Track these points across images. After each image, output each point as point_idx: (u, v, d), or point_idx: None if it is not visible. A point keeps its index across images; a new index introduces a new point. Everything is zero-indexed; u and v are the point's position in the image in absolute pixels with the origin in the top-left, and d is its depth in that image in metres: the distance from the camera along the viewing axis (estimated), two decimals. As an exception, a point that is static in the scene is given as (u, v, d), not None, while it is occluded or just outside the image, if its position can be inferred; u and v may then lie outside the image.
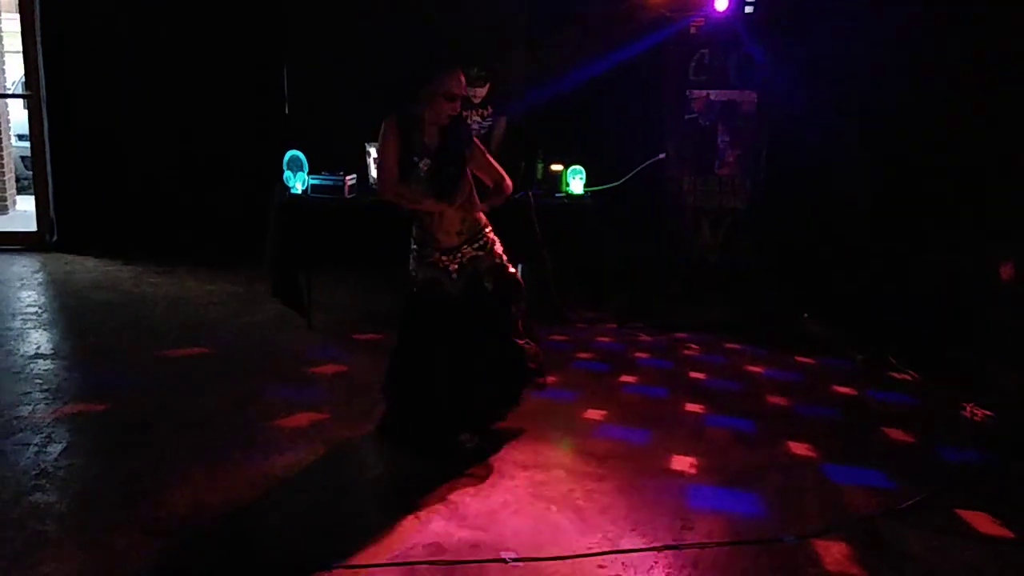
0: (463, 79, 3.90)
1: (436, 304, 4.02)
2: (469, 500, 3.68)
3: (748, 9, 6.22)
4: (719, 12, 6.13)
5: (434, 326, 4.02)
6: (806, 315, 6.78)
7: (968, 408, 4.95)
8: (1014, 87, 5.95)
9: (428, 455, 4.03)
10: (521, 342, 4.23)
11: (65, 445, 4.02)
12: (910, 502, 3.74)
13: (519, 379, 4.22)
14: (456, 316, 4.02)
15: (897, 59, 6.63)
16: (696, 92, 6.41)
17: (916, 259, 6.28)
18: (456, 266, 4.01)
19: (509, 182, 4.15)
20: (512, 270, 4.22)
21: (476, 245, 4.05)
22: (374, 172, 5.95)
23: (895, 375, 5.61)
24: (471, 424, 4.16)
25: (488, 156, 4.09)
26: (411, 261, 4.09)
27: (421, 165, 3.89)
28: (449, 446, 4.09)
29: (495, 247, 4.13)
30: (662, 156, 6.45)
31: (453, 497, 3.69)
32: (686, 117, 6.45)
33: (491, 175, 4.10)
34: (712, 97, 6.38)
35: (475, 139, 4.09)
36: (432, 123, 3.90)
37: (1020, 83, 5.90)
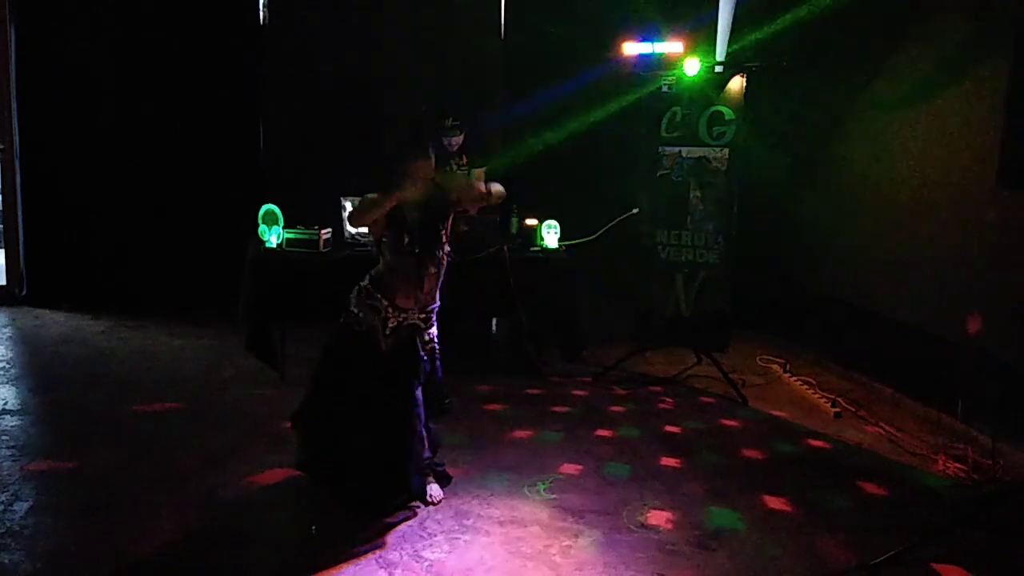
0: (429, 163, 3.96)
1: (365, 350, 4.00)
2: (444, 557, 3.64)
3: (718, 69, 6.36)
4: (690, 72, 6.27)
5: (356, 371, 4.01)
6: (779, 367, 6.83)
7: (941, 460, 4.98)
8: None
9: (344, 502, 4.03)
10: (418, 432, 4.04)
11: (32, 503, 3.95)
12: (886, 556, 3.73)
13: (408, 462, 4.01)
14: (378, 371, 4.00)
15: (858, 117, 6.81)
16: (668, 148, 6.51)
17: (890, 310, 6.35)
18: (394, 322, 4.01)
19: (495, 190, 4.16)
20: (434, 354, 4.17)
21: (422, 316, 4.07)
22: (349, 227, 5.98)
23: (869, 428, 5.64)
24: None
25: (469, 185, 4.15)
26: (355, 299, 4.05)
27: (406, 234, 3.93)
28: (368, 497, 4.04)
29: (433, 328, 4.15)
30: (635, 211, 6.52)
31: (428, 554, 3.65)
32: (659, 173, 6.54)
33: (480, 196, 4.16)
34: (684, 154, 6.48)
35: (479, 176, 4.16)
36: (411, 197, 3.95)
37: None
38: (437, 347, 4.18)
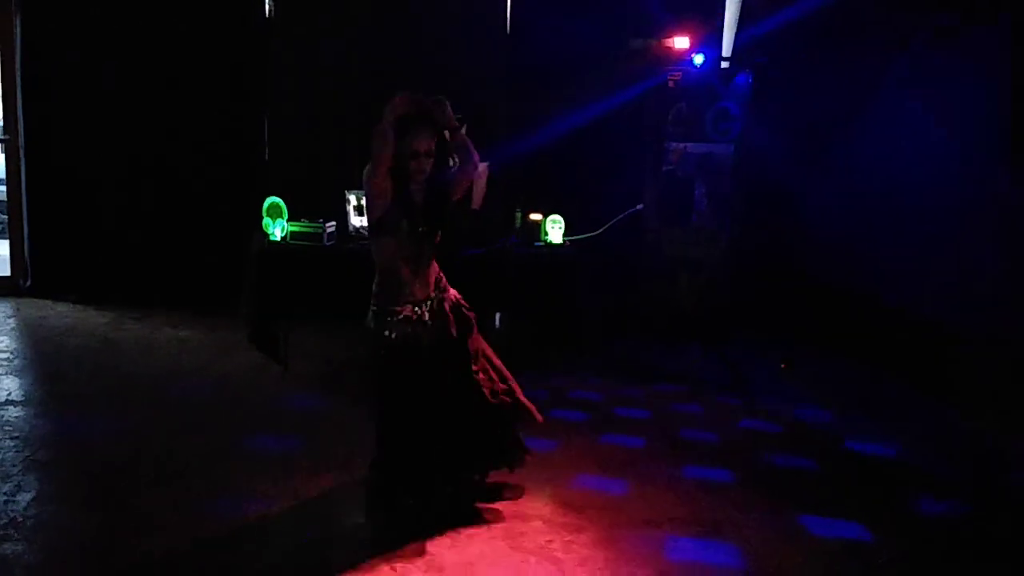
0: (429, 140, 3.81)
1: (415, 360, 3.86)
2: (446, 552, 3.64)
3: (724, 64, 6.35)
4: (696, 67, 6.25)
5: (417, 382, 3.86)
6: (783, 365, 6.82)
7: (946, 458, 4.97)
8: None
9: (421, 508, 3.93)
10: (502, 392, 4.12)
11: (34, 494, 3.96)
12: (889, 556, 3.73)
13: (506, 435, 4.13)
14: (434, 365, 3.93)
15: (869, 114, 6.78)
16: (673, 144, 6.50)
17: (894, 310, 6.34)
18: (429, 314, 3.93)
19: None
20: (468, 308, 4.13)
21: (440, 289, 4.01)
22: (354, 219, 5.97)
23: (871, 426, 5.63)
24: (461, 472, 4.08)
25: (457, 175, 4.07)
26: (375, 320, 3.87)
27: (405, 220, 3.82)
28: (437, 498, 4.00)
29: (450, 289, 4.09)
30: (640, 207, 6.51)
31: (430, 548, 3.65)
32: (663, 169, 6.53)
33: (463, 180, 4.05)
34: (689, 149, 6.47)
35: (482, 171, 4.09)
36: (414, 181, 3.85)
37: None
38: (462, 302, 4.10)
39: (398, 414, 3.88)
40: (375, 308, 3.88)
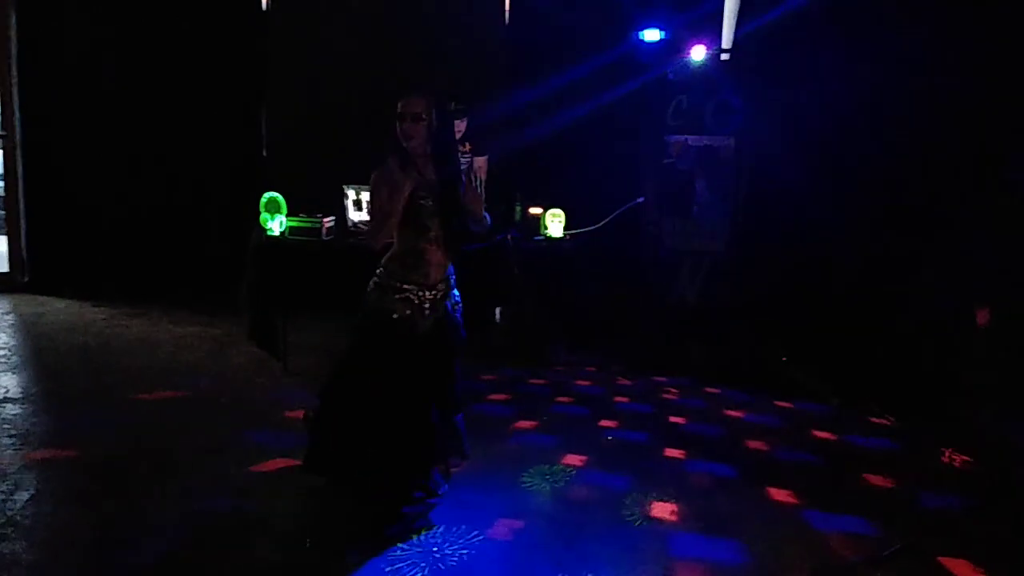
0: (421, 100, 3.76)
1: (403, 342, 3.82)
2: (447, 548, 3.61)
3: (724, 56, 6.32)
4: (696, 60, 6.22)
5: (397, 363, 3.80)
6: (785, 358, 6.79)
7: (947, 453, 4.95)
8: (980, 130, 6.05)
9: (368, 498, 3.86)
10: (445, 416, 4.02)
11: (33, 492, 3.92)
12: (892, 549, 3.71)
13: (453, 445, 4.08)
14: (420, 353, 3.87)
15: (870, 105, 6.74)
16: (674, 137, 6.46)
17: (895, 303, 6.31)
18: (430, 302, 3.90)
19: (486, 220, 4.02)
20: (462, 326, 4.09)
21: (449, 282, 3.97)
22: (352, 214, 5.93)
23: (874, 420, 5.60)
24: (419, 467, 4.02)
25: (472, 191, 4.05)
26: (378, 292, 3.82)
27: (428, 201, 3.75)
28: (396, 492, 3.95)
29: (455, 289, 4.04)
30: (640, 200, 6.48)
31: (429, 546, 3.62)
32: (664, 162, 6.50)
33: (477, 207, 4.01)
34: (689, 142, 6.44)
35: (480, 164, 4.06)
36: (417, 155, 3.82)
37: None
38: (460, 306, 4.04)
39: (343, 384, 3.87)
40: (378, 280, 3.83)
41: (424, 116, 3.76)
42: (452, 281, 3.99)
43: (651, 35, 6.38)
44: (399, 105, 3.79)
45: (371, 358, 3.83)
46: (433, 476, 3.95)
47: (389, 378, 3.80)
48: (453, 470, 4.17)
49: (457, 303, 4.01)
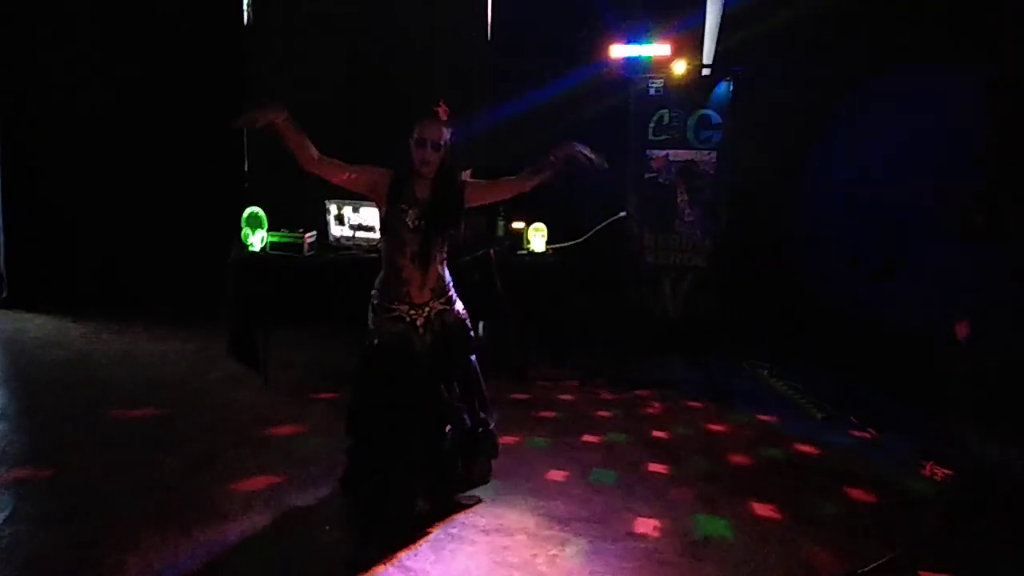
0: (438, 129, 3.84)
1: (402, 359, 3.93)
2: (429, 567, 3.60)
3: (705, 72, 6.35)
4: (677, 74, 6.25)
5: (399, 382, 3.92)
6: (767, 372, 6.80)
7: (928, 467, 4.96)
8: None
9: (388, 516, 3.91)
10: (483, 415, 4.22)
11: (10, 512, 3.88)
12: (874, 564, 3.71)
13: (484, 447, 4.20)
14: (422, 371, 3.95)
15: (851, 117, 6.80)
16: (656, 151, 6.49)
17: (878, 315, 6.34)
18: (422, 320, 3.94)
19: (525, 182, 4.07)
20: (470, 330, 4.18)
21: (442, 300, 4.01)
22: (334, 229, 5.93)
23: (856, 433, 5.62)
24: (435, 486, 4.09)
25: (486, 184, 4.07)
26: (372, 316, 3.99)
27: (409, 213, 3.84)
28: (410, 507, 3.99)
29: (457, 303, 4.09)
30: (623, 214, 6.50)
31: (412, 564, 3.61)
32: (646, 176, 6.52)
33: (503, 191, 4.09)
34: (671, 157, 6.46)
35: (465, 177, 4.10)
36: (421, 176, 3.87)
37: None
38: (467, 320, 4.14)
39: (363, 407, 3.97)
40: (372, 302, 3.98)
41: (443, 144, 3.81)
42: (450, 296, 4.02)
43: (632, 50, 6.42)
44: (418, 129, 3.82)
45: (378, 378, 3.94)
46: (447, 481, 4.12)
47: (398, 395, 3.89)
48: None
49: (460, 315, 4.07)
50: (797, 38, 6.70)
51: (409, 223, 3.85)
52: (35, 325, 7.30)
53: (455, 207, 3.95)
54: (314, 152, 3.83)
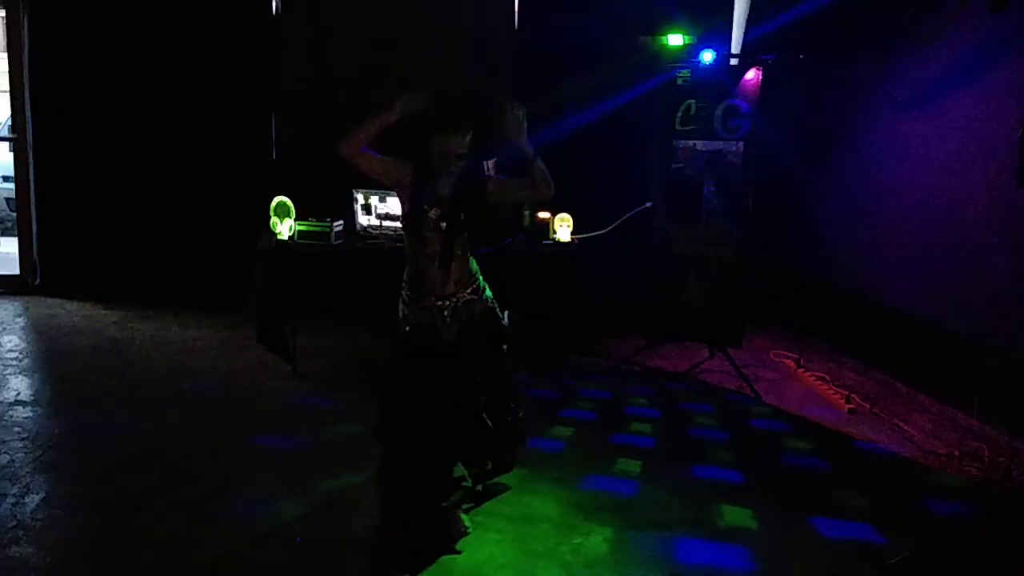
0: (459, 140, 3.78)
1: (431, 349, 3.94)
2: (454, 555, 3.62)
3: (733, 61, 6.30)
4: (705, 64, 6.21)
5: (429, 371, 3.91)
6: (794, 362, 6.77)
7: (957, 459, 4.93)
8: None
9: (418, 504, 3.93)
10: (511, 403, 4.23)
11: (44, 495, 3.96)
12: (900, 557, 3.70)
13: (512, 436, 4.22)
14: (450, 361, 3.96)
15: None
16: (682, 142, 6.45)
17: (904, 306, 6.30)
18: (449, 310, 3.94)
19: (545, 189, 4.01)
20: (500, 319, 4.19)
21: (469, 290, 4.01)
22: (361, 219, 5.95)
23: (883, 425, 5.59)
24: (464, 474, 4.10)
25: (508, 181, 4.06)
26: (402, 306, 4.00)
27: (431, 213, 3.83)
28: (440, 495, 4.00)
29: (486, 292, 4.09)
30: (648, 205, 6.48)
31: (437, 551, 3.63)
32: (672, 167, 6.49)
33: (523, 192, 4.06)
34: (698, 147, 6.42)
35: (489, 175, 4.10)
36: (444, 175, 3.85)
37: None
38: (497, 309, 4.14)
39: (400, 400, 3.93)
40: (403, 292, 3.99)
41: (464, 151, 3.79)
42: (477, 286, 4.02)
43: (659, 39, 6.38)
44: (438, 143, 3.75)
45: (409, 366, 3.93)
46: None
47: (430, 385, 3.89)
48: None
49: (489, 304, 4.08)
50: (827, 27, 6.64)
51: (431, 223, 3.83)
52: (67, 312, 7.41)
53: (477, 207, 3.92)
54: (364, 140, 3.83)
